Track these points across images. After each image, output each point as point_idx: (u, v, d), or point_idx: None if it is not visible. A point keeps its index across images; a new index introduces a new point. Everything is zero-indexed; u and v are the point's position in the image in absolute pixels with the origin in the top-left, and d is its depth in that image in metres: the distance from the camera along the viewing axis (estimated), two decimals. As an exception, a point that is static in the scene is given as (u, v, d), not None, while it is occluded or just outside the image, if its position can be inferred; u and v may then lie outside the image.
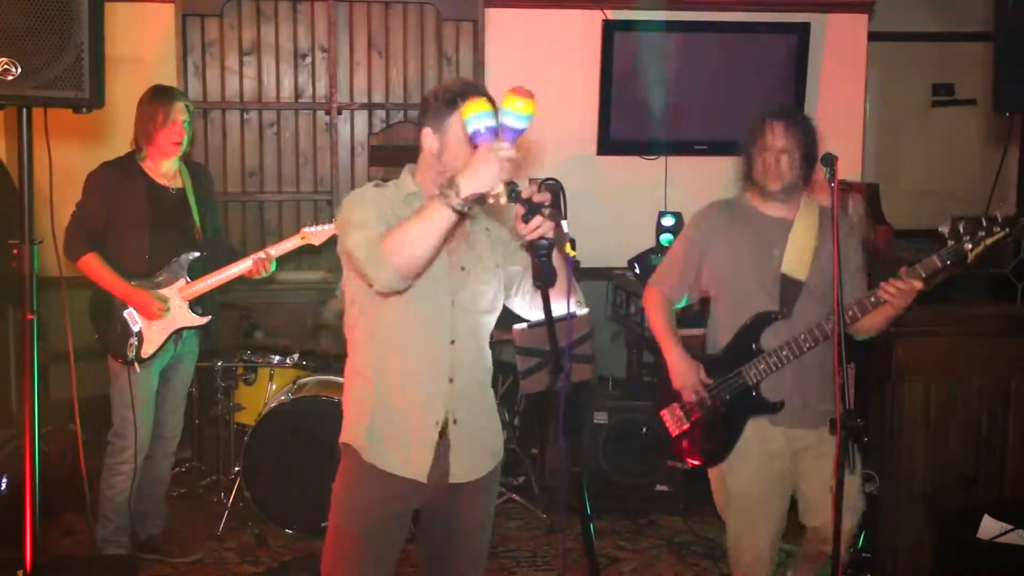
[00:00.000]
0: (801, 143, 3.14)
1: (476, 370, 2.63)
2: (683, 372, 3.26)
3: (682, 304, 3.42)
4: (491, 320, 2.66)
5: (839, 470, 2.75)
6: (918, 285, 2.98)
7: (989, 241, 2.94)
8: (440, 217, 2.24)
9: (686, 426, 3.32)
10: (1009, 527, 3.54)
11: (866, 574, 3.93)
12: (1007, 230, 2.94)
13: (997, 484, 3.88)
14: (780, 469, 3.23)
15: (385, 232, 2.34)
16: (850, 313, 3.05)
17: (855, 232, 3.33)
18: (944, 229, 2.97)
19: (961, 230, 2.94)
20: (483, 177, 2.18)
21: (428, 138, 2.51)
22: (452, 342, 2.55)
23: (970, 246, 2.94)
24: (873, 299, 3.06)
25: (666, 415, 3.37)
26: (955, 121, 6.85)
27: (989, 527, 3.57)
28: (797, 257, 3.17)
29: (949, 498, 3.82)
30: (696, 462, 3.34)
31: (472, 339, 2.60)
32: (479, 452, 2.65)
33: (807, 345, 3.12)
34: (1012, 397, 3.87)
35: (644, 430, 4.70)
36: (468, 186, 2.19)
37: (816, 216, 3.22)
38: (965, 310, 4.11)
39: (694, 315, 3.94)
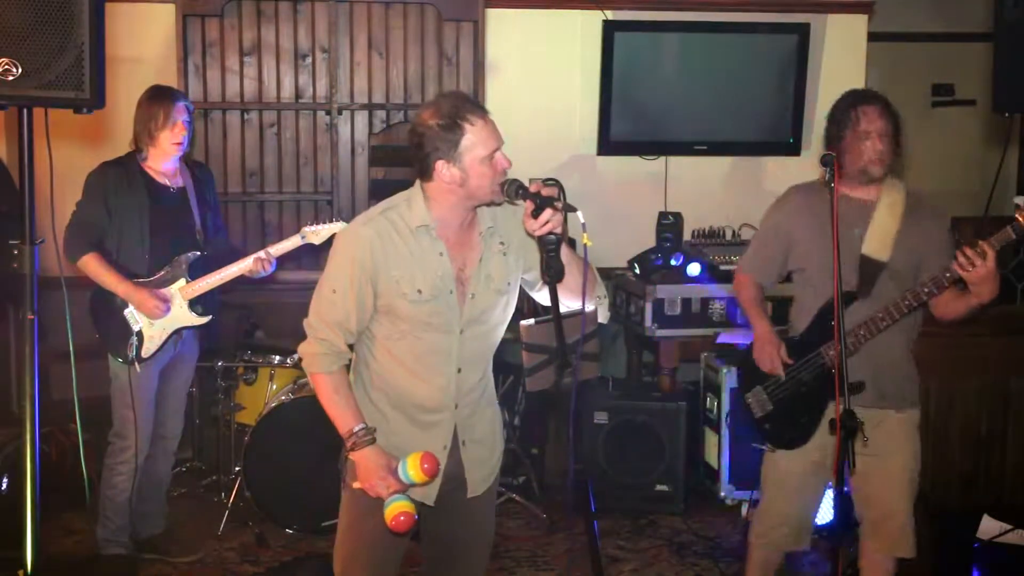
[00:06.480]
0: (895, 123, 3.16)
1: (479, 387, 2.64)
2: (766, 344, 3.30)
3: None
4: (499, 333, 2.65)
5: (839, 470, 2.76)
6: (991, 253, 2.92)
7: None
8: (342, 431, 2.51)
9: (770, 407, 3.33)
10: (1009, 527, 3.55)
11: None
12: None
13: (997, 484, 3.89)
14: (830, 453, 3.20)
15: (321, 350, 2.51)
16: (926, 289, 3.06)
17: (940, 215, 3.31)
18: (1020, 201, 2.97)
19: None
20: (369, 487, 2.48)
21: (445, 170, 2.41)
22: (459, 371, 2.55)
23: None
24: (948, 273, 3.02)
25: (751, 398, 3.38)
26: (955, 121, 6.85)
27: (989, 527, 3.57)
28: (879, 238, 3.17)
29: (949, 498, 3.83)
30: (779, 446, 3.33)
31: (478, 362, 2.60)
32: (489, 463, 2.69)
33: (884, 324, 3.12)
34: (1012, 397, 3.88)
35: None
36: (360, 481, 2.51)
37: (902, 198, 3.20)
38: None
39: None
